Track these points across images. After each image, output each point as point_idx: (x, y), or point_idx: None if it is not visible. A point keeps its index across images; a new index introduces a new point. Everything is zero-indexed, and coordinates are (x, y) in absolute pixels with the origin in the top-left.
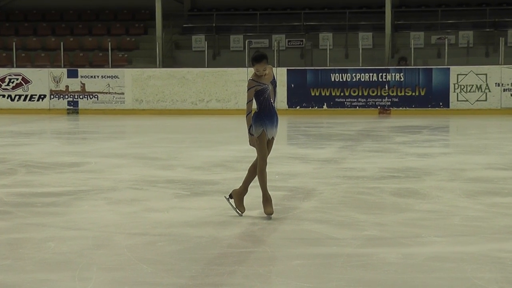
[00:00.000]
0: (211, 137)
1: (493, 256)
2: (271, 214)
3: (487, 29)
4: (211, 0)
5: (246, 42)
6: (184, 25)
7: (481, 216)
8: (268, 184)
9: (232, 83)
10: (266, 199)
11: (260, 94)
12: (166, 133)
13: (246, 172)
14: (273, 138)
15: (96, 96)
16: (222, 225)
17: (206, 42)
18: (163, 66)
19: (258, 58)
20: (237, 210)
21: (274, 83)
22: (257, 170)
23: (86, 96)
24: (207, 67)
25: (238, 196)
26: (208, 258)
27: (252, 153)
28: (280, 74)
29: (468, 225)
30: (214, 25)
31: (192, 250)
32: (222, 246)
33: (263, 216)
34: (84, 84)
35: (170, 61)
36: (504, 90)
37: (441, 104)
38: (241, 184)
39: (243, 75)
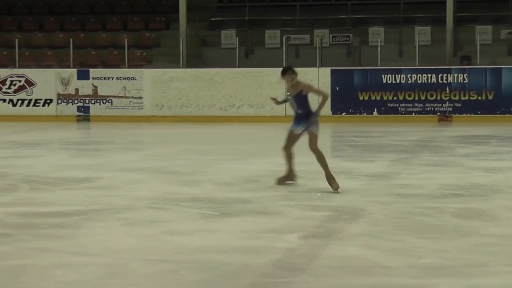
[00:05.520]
0: (243, 148)
1: None
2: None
3: None
4: None
5: (284, 38)
6: (212, 19)
7: None
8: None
9: (267, 85)
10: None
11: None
12: (190, 144)
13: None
14: (302, 133)
15: (110, 101)
16: (255, 250)
17: (237, 38)
18: (188, 66)
19: (282, 72)
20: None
21: (297, 96)
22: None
23: (98, 101)
24: (239, 67)
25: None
26: None
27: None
28: (323, 75)
29: None
30: (246, 18)
31: (220, 280)
32: (255, 275)
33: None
34: (96, 87)
35: (195, 60)
36: None
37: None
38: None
39: (280, 76)
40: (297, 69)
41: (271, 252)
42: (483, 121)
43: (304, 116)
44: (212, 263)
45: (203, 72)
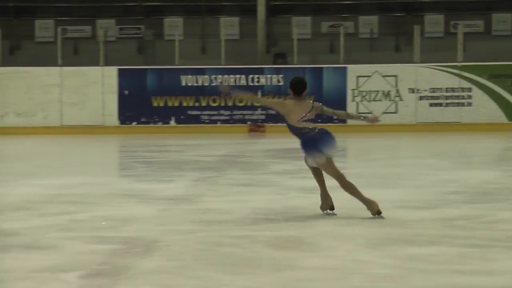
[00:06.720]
0: (8, 168)
1: None
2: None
3: (397, 14)
4: None
5: (59, 30)
6: None
7: (391, 274)
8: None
9: (38, 88)
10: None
11: None
12: None
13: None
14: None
15: None
16: None
17: None
18: None
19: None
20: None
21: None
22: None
23: None
24: (2, 65)
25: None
26: None
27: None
28: (108, 76)
29: (374, 287)
30: (11, 5)
31: None
32: None
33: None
34: None
35: None
36: (421, 98)
37: (335, 118)
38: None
39: (54, 77)
40: (76, 69)
41: None
42: None
43: (301, 142)
44: None
45: None
